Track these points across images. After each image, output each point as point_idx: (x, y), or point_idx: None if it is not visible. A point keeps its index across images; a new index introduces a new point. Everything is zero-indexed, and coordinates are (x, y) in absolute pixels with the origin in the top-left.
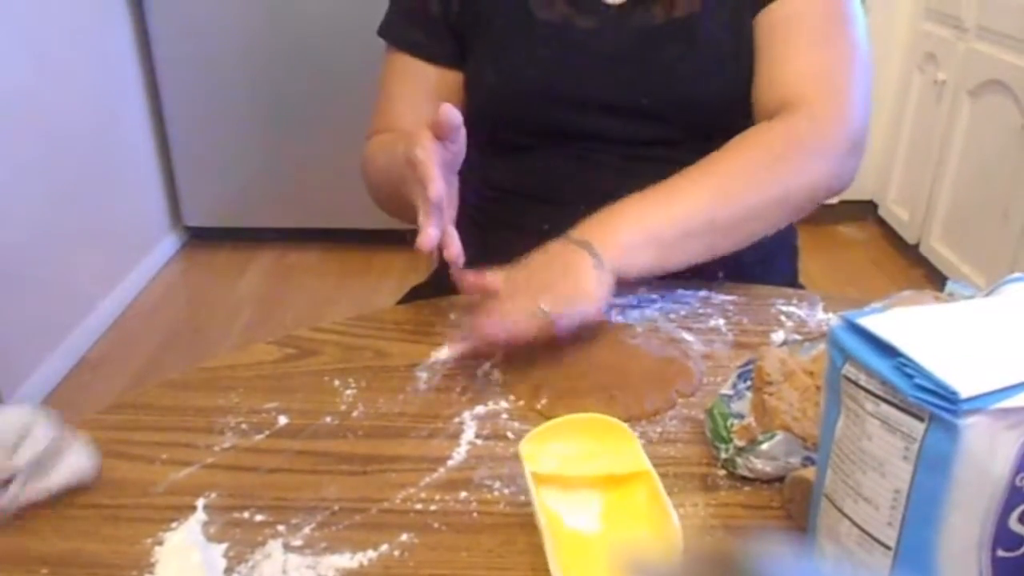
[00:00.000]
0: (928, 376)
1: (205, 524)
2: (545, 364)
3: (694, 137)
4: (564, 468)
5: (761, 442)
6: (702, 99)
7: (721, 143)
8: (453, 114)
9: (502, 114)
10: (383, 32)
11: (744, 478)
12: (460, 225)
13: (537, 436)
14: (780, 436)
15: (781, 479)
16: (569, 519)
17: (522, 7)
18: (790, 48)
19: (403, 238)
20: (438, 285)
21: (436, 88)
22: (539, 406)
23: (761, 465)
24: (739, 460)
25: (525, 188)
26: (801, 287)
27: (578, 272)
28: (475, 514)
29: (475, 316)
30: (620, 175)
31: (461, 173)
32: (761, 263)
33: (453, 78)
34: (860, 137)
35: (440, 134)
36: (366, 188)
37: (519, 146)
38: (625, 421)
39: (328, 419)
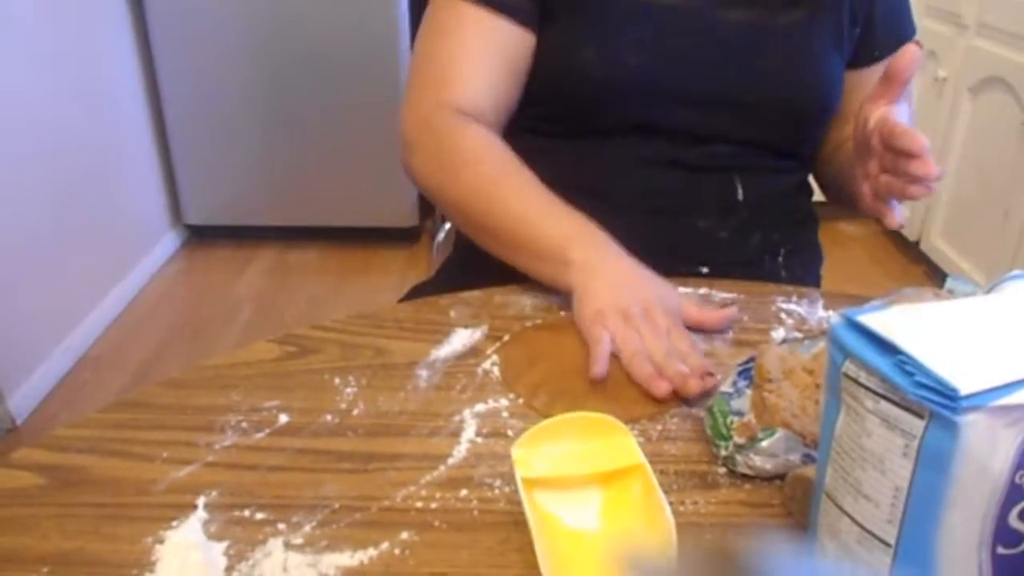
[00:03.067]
0: (928, 373)
1: (206, 522)
2: (545, 362)
3: (769, 147)
4: (559, 468)
5: (761, 439)
6: (796, 105)
7: (789, 159)
8: None
9: (590, 99)
10: None
11: (744, 476)
12: None
13: (530, 438)
14: (780, 433)
15: (781, 477)
16: (568, 518)
17: None
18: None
19: (403, 236)
20: (440, 283)
21: (515, 52)
22: (538, 405)
23: (761, 462)
24: (739, 457)
25: (577, 181)
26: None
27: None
28: (475, 512)
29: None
30: (682, 175)
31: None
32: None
33: (530, 43)
34: None
35: None
36: (422, 165)
37: (583, 132)
38: (626, 422)
39: (328, 417)
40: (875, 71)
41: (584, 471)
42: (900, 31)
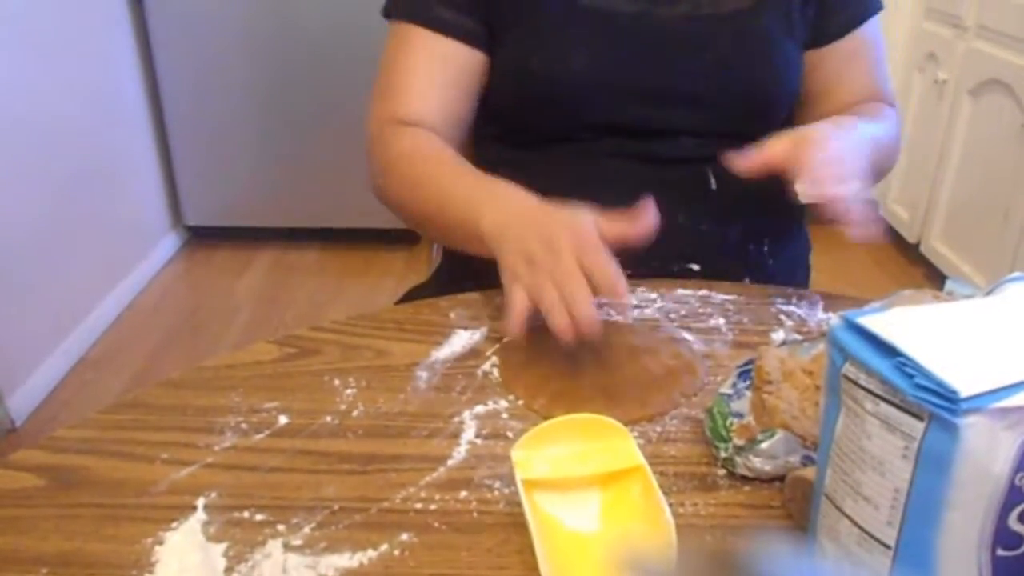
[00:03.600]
0: (928, 375)
1: (205, 524)
2: (545, 364)
3: (735, 133)
4: (559, 470)
5: (760, 441)
6: (752, 92)
7: (758, 143)
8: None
9: (542, 104)
10: (395, 9)
11: (744, 477)
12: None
13: (530, 440)
14: (779, 435)
15: (781, 478)
16: (568, 520)
17: None
18: (853, 76)
19: (403, 238)
20: (438, 285)
21: (460, 69)
22: (537, 406)
23: (760, 464)
24: (738, 459)
25: (550, 185)
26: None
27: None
28: (475, 513)
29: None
30: (654, 172)
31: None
32: (786, 272)
33: (477, 60)
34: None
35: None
36: (375, 178)
37: (549, 139)
38: (626, 423)
39: (328, 418)
40: (835, 49)
41: (584, 473)
42: (857, 7)
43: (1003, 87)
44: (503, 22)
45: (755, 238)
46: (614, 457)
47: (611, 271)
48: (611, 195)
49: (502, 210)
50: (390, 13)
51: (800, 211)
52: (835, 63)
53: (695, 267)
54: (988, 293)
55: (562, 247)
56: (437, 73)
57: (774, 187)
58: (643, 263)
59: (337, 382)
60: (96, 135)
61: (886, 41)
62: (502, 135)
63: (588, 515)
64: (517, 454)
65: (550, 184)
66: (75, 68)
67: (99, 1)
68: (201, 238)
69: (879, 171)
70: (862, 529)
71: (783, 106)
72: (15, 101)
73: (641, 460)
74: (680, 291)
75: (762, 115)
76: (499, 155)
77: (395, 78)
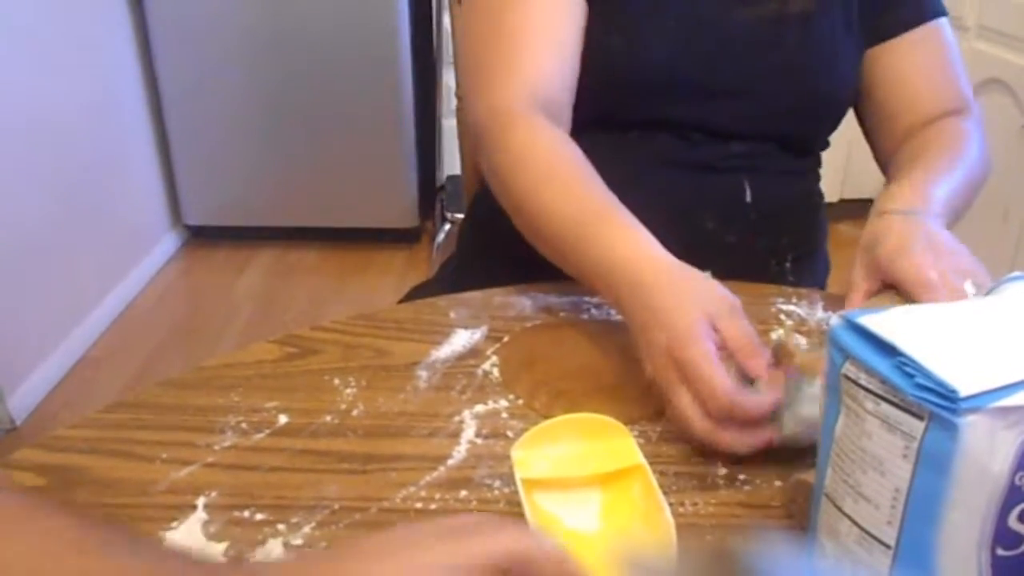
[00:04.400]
0: (928, 375)
1: (205, 523)
2: (545, 363)
3: (780, 146)
4: (559, 469)
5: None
6: (814, 96)
7: (800, 160)
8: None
9: (610, 87)
10: None
11: (744, 478)
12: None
13: (530, 439)
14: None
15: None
16: (568, 519)
17: None
18: (924, 75)
19: (403, 237)
20: (439, 285)
21: (580, 23)
22: (537, 406)
23: (808, 412)
24: (786, 415)
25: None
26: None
27: (956, 244)
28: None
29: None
30: (690, 176)
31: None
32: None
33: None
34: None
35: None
36: (491, 176)
37: (597, 123)
38: (626, 423)
39: (328, 418)
40: (895, 46)
41: (584, 472)
42: (919, 5)
43: (1003, 87)
44: None
45: (779, 254)
46: (614, 456)
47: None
48: (642, 194)
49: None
50: None
51: (824, 233)
52: (897, 60)
53: (708, 273)
54: (988, 293)
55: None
56: (562, 28)
57: (806, 207)
58: None
59: (337, 381)
60: (96, 135)
61: None
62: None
63: (588, 514)
64: (517, 453)
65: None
66: (75, 68)
67: (99, 2)
68: (201, 238)
69: (969, 205)
70: (862, 529)
71: (841, 108)
72: (15, 101)
73: (641, 459)
74: None
75: (819, 117)
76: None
77: (510, 39)
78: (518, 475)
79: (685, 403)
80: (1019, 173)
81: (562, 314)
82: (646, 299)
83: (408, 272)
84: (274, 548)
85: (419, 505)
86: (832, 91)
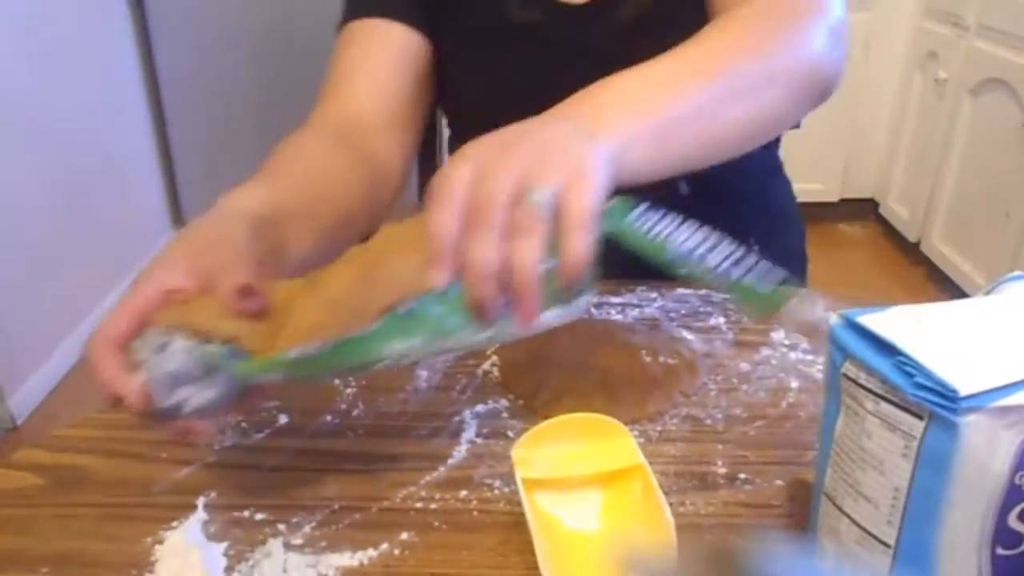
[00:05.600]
0: (928, 374)
1: (205, 523)
2: (545, 362)
3: None
4: (560, 469)
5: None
6: None
7: None
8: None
9: (491, 125)
10: (345, 16)
11: (744, 478)
12: None
13: (530, 439)
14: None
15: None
16: (568, 520)
17: (497, 6)
18: None
19: None
20: None
21: (411, 53)
22: (537, 406)
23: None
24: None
25: None
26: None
27: (576, 149)
28: (475, 513)
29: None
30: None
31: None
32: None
33: (427, 49)
34: (840, 24)
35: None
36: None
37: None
38: (626, 423)
39: (328, 418)
40: None
41: (584, 472)
42: None
43: (1004, 86)
44: (438, 23)
45: (739, 238)
46: (614, 456)
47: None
48: None
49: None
50: (342, 23)
51: (789, 203)
52: None
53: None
54: (988, 292)
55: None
56: (384, 56)
57: (753, 184)
58: (618, 276)
59: (337, 381)
60: (96, 135)
61: (886, 40)
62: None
63: (588, 514)
64: (517, 453)
65: None
66: (75, 68)
67: (99, 1)
68: None
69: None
70: (862, 528)
71: None
72: (15, 101)
73: (641, 459)
74: (680, 290)
75: None
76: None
77: (337, 74)
78: (518, 475)
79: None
80: (1020, 172)
81: None
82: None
83: None
84: (274, 548)
85: (419, 505)
86: None
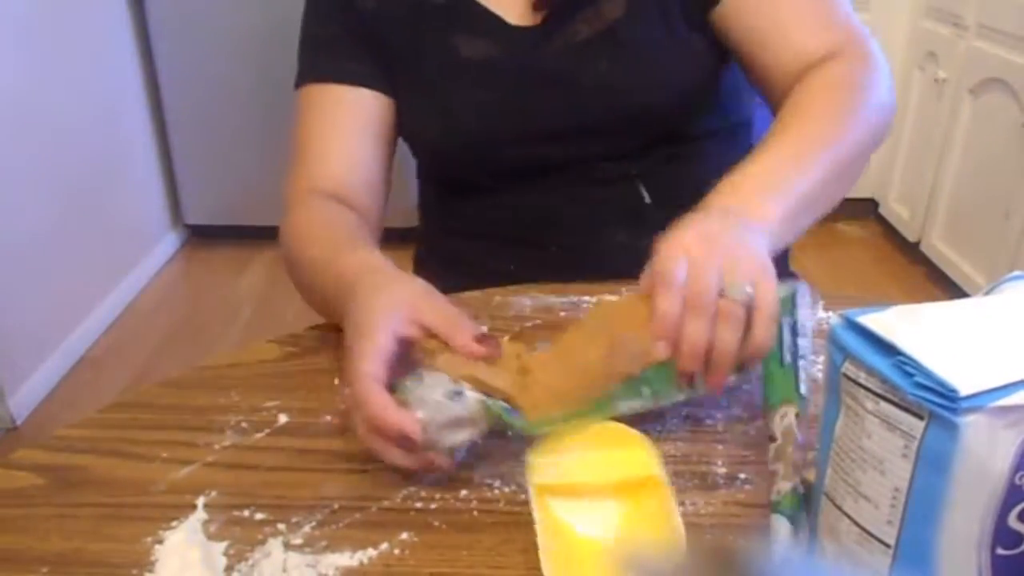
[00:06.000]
0: (928, 374)
1: (205, 522)
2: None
3: (654, 144)
4: (574, 475)
5: (409, 388)
6: (648, 105)
7: (684, 144)
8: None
9: (450, 163)
10: (304, 77)
11: (743, 478)
12: (421, 264)
13: (547, 445)
14: (426, 376)
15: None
16: (580, 527)
17: (446, 47)
18: (784, 15)
19: (404, 237)
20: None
21: (377, 116)
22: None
23: (421, 415)
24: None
25: (487, 229)
26: (794, 275)
27: (755, 246)
28: (475, 512)
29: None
30: (584, 202)
31: (420, 210)
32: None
33: (385, 104)
34: (884, 63)
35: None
36: (283, 250)
37: (476, 187)
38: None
39: (328, 417)
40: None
41: (599, 480)
42: None
43: (1003, 86)
44: (392, 75)
45: None
46: (631, 466)
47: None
48: (549, 227)
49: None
50: (299, 83)
51: None
52: (747, 9)
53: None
54: (988, 292)
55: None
56: (352, 125)
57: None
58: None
59: (337, 381)
60: (96, 135)
61: (885, 40)
62: (436, 183)
63: (601, 522)
64: (533, 458)
65: (482, 226)
66: (75, 68)
67: (99, 2)
68: (201, 237)
69: (854, 160)
70: (862, 528)
71: (687, 105)
72: (15, 101)
73: (658, 470)
74: None
75: (668, 121)
76: (437, 195)
77: (310, 142)
78: (532, 479)
79: (358, 421)
80: (1020, 171)
81: (562, 314)
82: (351, 307)
83: (408, 271)
84: (274, 548)
85: (419, 505)
86: (660, 100)
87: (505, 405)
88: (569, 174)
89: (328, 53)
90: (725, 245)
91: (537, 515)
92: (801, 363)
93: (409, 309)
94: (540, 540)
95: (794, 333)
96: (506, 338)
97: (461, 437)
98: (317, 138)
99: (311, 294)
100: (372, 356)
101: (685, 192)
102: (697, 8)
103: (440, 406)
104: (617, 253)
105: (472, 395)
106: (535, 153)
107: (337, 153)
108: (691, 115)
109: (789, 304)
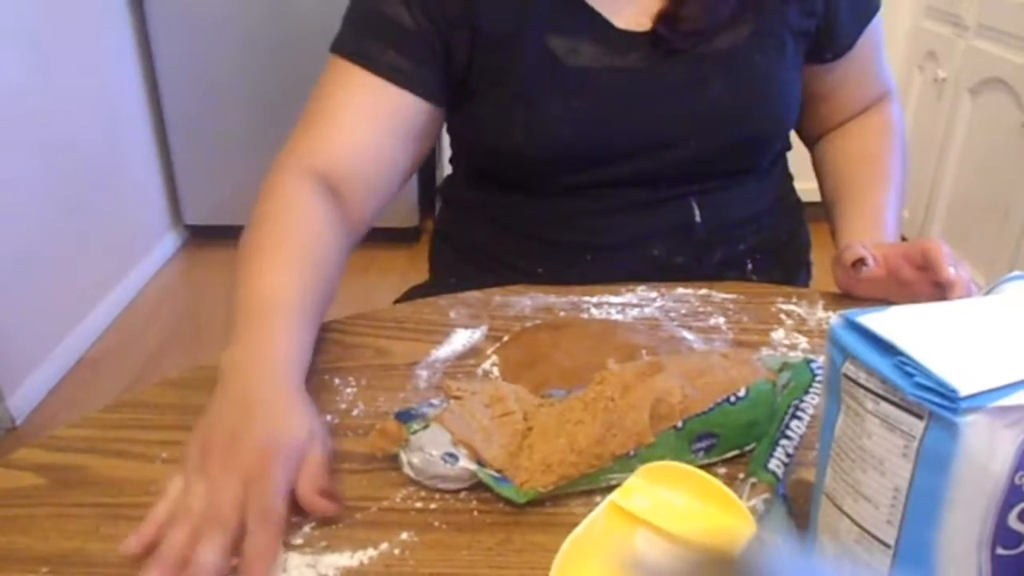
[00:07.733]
0: (928, 374)
1: None
2: (545, 363)
3: (727, 172)
4: (662, 517)
5: (415, 431)
6: (754, 136)
7: (749, 171)
8: None
9: (527, 172)
10: (342, 47)
11: (744, 478)
12: (448, 254)
13: (647, 471)
14: (432, 428)
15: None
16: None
17: (546, 55)
18: (853, 71)
19: (404, 236)
20: (437, 285)
21: (411, 121)
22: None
23: (415, 459)
24: (402, 455)
25: (524, 227)
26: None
27: None
28: (475, 513)
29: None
30: (635, 214)
31: (441, 196)
32: (783, 279)
33: (417, 106)
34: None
35: None
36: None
37: (527, 189)
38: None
39: (328, 417)
40: (849, 60)
41: (680, 530)
42: (861, 16)
43: (1003, 85)
44: (477, 82)
45: (736, 263)
46: (719, 534)
47: (272, 518)
48: (587, 239)
49: (236, 363)
50: (335, 48)
51: (798, 233)
52: (840, 70)
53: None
54: (988, 292)
55: (241, 453)
56: (372, 114)
57: (768, 211)
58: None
59: (337, 381)
60: (96, 135)
61: (886, 39)
62: (481, 177)
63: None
64: (633, 480)
65: (522, 225)
66: (75, 68)
67: (99, 1)
68: (201, 237)
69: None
70: (862, 528)
71: (779, 141)
72: (15, 101)
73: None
74: (680, 290)
75: (758, 149)
76: (478, 192)
77: (322, 115)
78: (620, 500)
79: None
80: (1019, 173)
81: (562, 314)
82: (237, 380)
83: (409, 271)
84: None
85: (419, 505)
86: (763, 124)
87: (495, 475)
88: (629, 190)
89: (379, 36)
90: None
91: (599, 529)
92: (783, 443)
93: (300, 450)
94: (573, 547)
95: (794, 416)
96: (517, 388)
97: (449, 487)
98: (329, 115)
99: (237, 256)
100: (286, 467)
101: (732, 213)
102: (823, 50)
103: (433, 462)
104: (647, 263)
105: (465, 463)
106: (614, 167)
107: (345, 137)
108: (771, 152)
109: (805, 386)
